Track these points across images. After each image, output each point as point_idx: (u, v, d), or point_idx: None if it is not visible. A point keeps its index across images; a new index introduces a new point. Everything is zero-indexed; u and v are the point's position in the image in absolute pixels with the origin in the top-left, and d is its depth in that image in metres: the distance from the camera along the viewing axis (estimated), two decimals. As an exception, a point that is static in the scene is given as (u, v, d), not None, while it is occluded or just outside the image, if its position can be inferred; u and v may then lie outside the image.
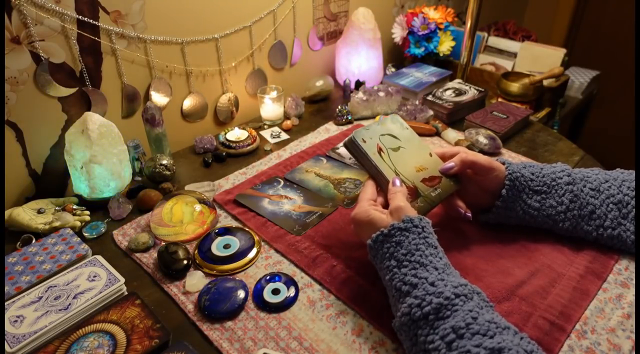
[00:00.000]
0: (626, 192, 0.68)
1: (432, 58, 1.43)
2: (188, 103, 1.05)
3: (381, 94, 1.14)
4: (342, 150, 1.00)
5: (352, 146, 0.70)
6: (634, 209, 0.68)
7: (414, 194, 0.67)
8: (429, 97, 1.14)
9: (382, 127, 0.72)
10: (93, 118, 0.80)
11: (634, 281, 0.66)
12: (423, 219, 0.60)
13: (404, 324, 0.53)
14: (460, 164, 0.70)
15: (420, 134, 1.06)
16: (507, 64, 1.51)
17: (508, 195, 0.70)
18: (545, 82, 1.33)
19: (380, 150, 0.69)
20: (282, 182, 0.90)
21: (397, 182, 0.66)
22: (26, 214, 0.78)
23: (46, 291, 0.64)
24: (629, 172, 0.72)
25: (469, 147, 0.97)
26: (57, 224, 0.78)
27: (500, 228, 0.75)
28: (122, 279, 0.66)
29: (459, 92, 1.16)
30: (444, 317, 0.50)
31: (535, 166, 0.72)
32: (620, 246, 0.69)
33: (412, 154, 0.71)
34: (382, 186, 0.67)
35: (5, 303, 0.62)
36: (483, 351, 0.45)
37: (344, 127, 1.11)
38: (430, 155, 0.73)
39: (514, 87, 1.30)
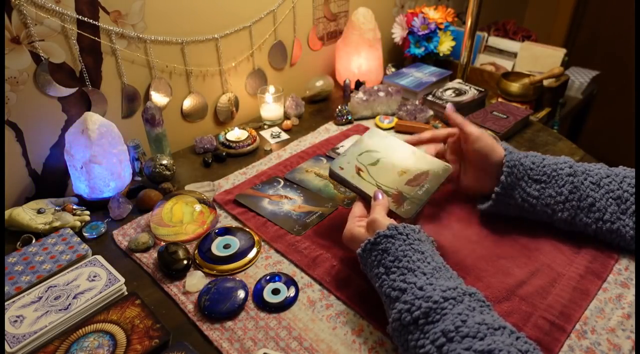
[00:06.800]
0: (626, 189, 0.69)
1: (432, 58, 1.43)
2: (188, 103, 1.05)
3: (381, 94, 1.14)
4: (342, 150, 1.00)
5: (333, 176, 0.74)
6: (633, 206, 0.68)
7: (399, 199, 0.68)
8: (429, 97, 1.14)
9: (360, 146, 0.76)
10: (93, 118, 0.80)
11: (634, 281, 0.66)
12: (407, 227, 0.60)
13: (395, 330, 0.53)
14: (450, 113, 0.76)
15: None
16: (507, 64, 1.51)
17: (507, 181, 0.71)
18: (545, 82, 1.33)
19: (359, 170, 0.72)
20: (282, 182, 0.90)
21: (379, 195, 0.67)
22: (26, 214, 0.78)
23: (46, 291, 0.64)
24: (632, 170, 0.72)
25: None
26: (57, 224, 0.78)
27: (500, 228, 0.75)
28: (122, 279, 0.66)
29: (459, 92, 1.16)
30: (434, 321, 0.50)
31: (537, 155, 0.74)
32: (620, 241, 0.69)
33: (394, 160, 0.74)
34: (369, 202, 0.69)
35: (5, 303, 0.62)
36: (473, 353, 0.45)
37: (344, 127, 1.11)
38: (414, 154, 0.75)
39: (514, 87, 1.30)
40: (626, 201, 0.68)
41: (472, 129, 0.74)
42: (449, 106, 0.79)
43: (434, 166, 0.73)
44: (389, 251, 0.58)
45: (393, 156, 0.75)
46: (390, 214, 0.66)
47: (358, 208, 0.69)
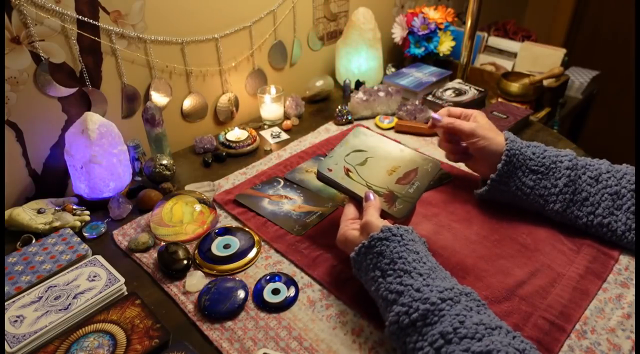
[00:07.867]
0: (624, 185, 0.69)
1: (432, 58, 1.43)
2: (188, 103, 1.05)
3: (381, 94, 1.14)
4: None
5: (322, 178, 0.72)
6: (629, 202, 0.68)
7: (390, 198, 0.67)
8: (429, 97, 1.14)
9: (346, 147, 0.75)
10: (93, 118, 0.80)
11: (634, 281, 0.66)
12: (401, 228, 0.60)
13: (393, 333, 0.53)
14: (445, 124, 0.78)
15: (420, 134, 1.07)
16: (507, 64, 1.51)
17: (503, 170, 0.72)
18: (545, 82, 1.33)
19: (347, 171, 0.71)
20: (282, 182, 0.90)
21: (371, 195, 0.66)
22: (26, 214, 0.78)
23: (46, 291, 0.64)
24: (634, 167, 0.72)
25: None
26: (57, 224, 0.78)
27: (500, 228, 0.75)
28: (122, 279, 0.66)
29: (459, 92, 1.16)
30: (432, 323, 0.50)
31: (540, 146, 0.74)
32: (611, 236, 0.69)
33: (382, 159, 0.73)
34: (360, 203, 0.68)
35: (5, 303, 0.62)
36: None
37: (344, 127, 1.11)
38: (402, 151, 0.74)
39: (514, 87, 1.30)
40: (622, 196, 0.68)
41: (463, 126, 0.76)
42: (435, 115, 0.80)
43: (422, 163, 0.72)
44: (384, 253, 0.57)
45: (381, 154, 0.74)
46: (383, 214, 0.66)
47: (350, 210, 0.68)
